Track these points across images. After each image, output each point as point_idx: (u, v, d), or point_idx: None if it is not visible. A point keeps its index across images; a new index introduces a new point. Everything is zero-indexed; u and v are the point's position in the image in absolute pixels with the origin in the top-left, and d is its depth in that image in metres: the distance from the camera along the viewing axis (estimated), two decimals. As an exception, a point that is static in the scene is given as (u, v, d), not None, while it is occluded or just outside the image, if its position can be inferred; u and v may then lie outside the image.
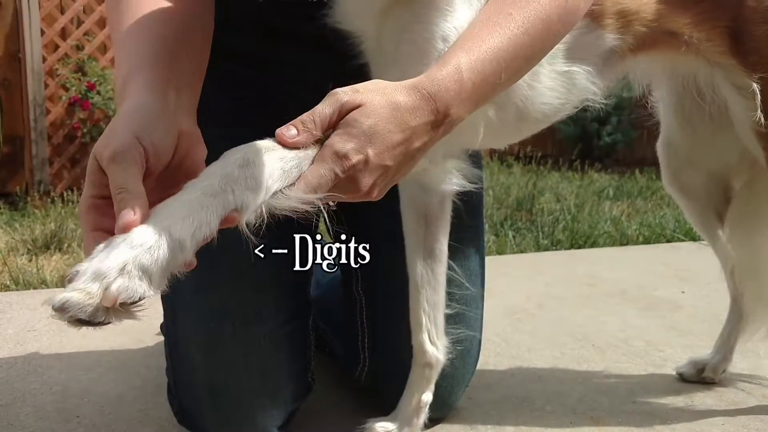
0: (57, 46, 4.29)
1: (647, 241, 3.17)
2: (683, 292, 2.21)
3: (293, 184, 0.74)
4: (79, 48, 4.33)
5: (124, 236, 0.66)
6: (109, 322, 0.62)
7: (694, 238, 3.01)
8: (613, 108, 5.84)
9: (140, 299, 0.63)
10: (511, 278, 2.38)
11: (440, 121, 0.82)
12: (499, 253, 2.91)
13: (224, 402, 1.10)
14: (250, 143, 0.74)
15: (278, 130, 0.76)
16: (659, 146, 1.45)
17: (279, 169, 0.73)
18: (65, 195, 3.87)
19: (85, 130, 4.22)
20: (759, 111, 1.13)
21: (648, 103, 1.39)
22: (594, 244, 3.09)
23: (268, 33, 1.12)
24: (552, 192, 4.20)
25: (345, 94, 0.78)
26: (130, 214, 0.66)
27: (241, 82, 0.92)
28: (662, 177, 1.46)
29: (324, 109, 0.77)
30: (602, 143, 6.05)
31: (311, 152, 0.75)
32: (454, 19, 0.91)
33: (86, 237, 0.73)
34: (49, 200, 3.92)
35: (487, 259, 1.34)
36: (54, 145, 4.29)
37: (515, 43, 0.85)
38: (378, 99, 0.78)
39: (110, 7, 0.96)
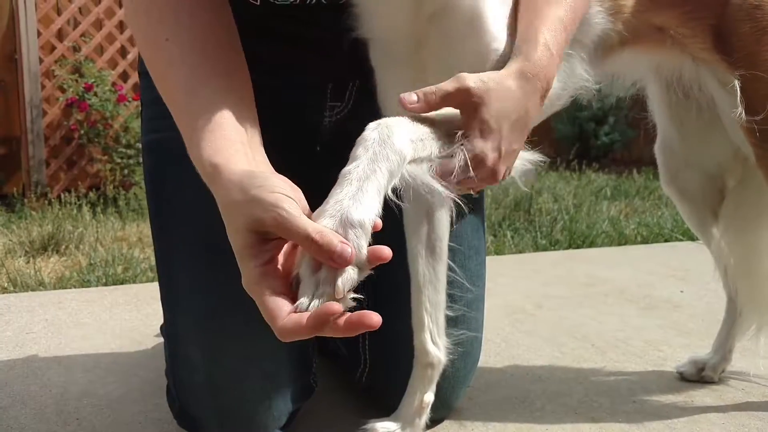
0: (53, 48, 4.28)
1: (645, 241, 3.18)
2: (682, 291, 2.22)
3: (431, 167, 0.83)
4: (76, 49, 4.32)
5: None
6: (349, 307, 0.73)
7: (692, 238, 3.01)
8: (610, 108, 5.85)
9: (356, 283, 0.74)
10: (510, 278, 2.38)
11: (545, 95, 0.94)
12: (498, 253, 2.91)
13: (225, 403, 1.10)
14: (377, 122, 0.81)
15: (402, 95, 0.83)
16: (657, 148, 1.45)
17: (408, 141, 0.81)
18: (62, 197, 3.87)
19: (82, 132, 4.20)
20: (740, 107, 1.14)
21: (638, 103, 1.39)
22: (592, 244, 3.10)
23: (276, 39, 1.13)
24: (550, 192, 4.21)
25: (470, 80, 0.85)
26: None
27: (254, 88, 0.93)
28: (660, 178, 1.46)
29: (447, 85, 0.84)
30: (599, 143, 6.07)
31: (436, 136, 0.84)
32: (500, 17, 0.95)
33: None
34: (46, 202, 3.92)
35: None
36: (51, 146, 4.27)
37: (572, 9, 0.98)
38: (498, 90, 0.86)
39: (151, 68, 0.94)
